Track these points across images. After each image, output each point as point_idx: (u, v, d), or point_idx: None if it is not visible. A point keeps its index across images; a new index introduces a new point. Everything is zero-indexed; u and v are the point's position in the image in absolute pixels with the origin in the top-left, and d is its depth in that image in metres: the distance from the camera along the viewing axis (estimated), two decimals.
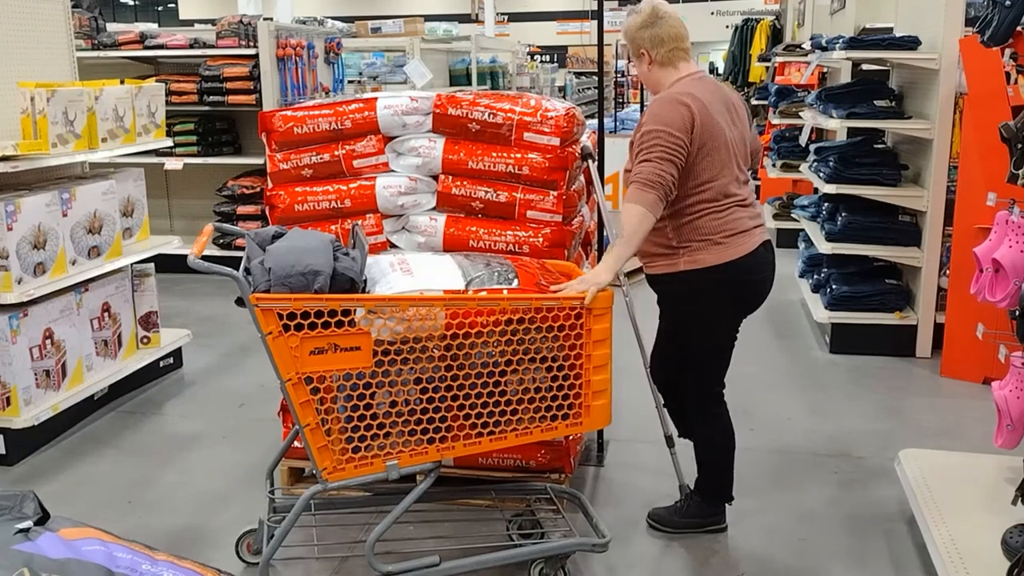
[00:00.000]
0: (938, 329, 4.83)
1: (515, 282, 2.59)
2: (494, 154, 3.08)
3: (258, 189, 6.57)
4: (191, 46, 6.56)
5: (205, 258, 2.36)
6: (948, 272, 4.68)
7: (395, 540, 2.89)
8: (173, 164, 6.37)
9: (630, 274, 3.23)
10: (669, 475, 3.23)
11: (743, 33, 11.21)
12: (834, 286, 5.11)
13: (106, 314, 4.28)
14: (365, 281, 2.60)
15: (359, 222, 3.07)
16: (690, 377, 3.01)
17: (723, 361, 3.00)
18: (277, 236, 2.61)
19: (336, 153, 3.16)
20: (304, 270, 2.38)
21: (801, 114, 6.56)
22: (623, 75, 20.02)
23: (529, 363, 2.52)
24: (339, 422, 2.45)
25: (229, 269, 2.38)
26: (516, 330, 2.48)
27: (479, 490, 3.08)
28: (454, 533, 2.96)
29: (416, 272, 2.63)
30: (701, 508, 3.12)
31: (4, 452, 3.71)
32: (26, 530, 1.31)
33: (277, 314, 2.35)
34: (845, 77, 6.46)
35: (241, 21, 6.48)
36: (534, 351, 2.52)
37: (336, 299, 2.38)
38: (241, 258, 2.58)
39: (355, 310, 2.40)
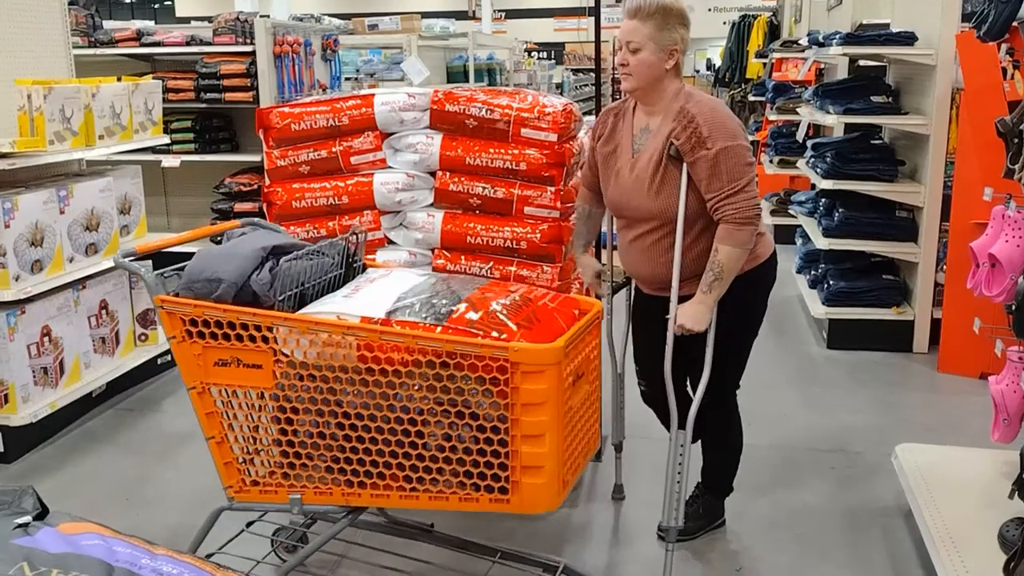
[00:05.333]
0: (935, 324, 4.84)
1: (447, 318, 2.23)
2: (491, 150, 3.07)
3: (256, 186, 6.56)
4: (188, 43, 6.54)
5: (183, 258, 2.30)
6: (945, 267, 4.69)
7: None
8: (170, 161, 6.36)
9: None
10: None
11: (740, 29, 11.22)
12: (831, 282, 5.12)
13: (104, 311, 4.28)
14: (301, 296, 2.40)
15: (359, 226, 3.04)
16: (718, 376, 2.77)
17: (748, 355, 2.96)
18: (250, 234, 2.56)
19: (333, 150, 3.15)
20: (210, 276, 2.29)
21: (798, 110, 6.56)
22: None
23: (456, 417, 2.18)
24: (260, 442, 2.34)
25: (138, 267, 2.35)
26: (440, 375, 2.15)
27: (479, 557, 2.76)
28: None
29: (361, 294, 2.39)
30: (713, 507, 3.12)
31: (2, 449, 3.71)
32: (25, 525, 1.31)
33: (180, 319, 2.30)
34: (842, 73, 6.47)
35: (238, 18, 6.46)
36: (462, 404, 2.17)
37: (233, 311, 2.25)
38: None
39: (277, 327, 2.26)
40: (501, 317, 2.22)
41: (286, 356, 2.26)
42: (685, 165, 2.63)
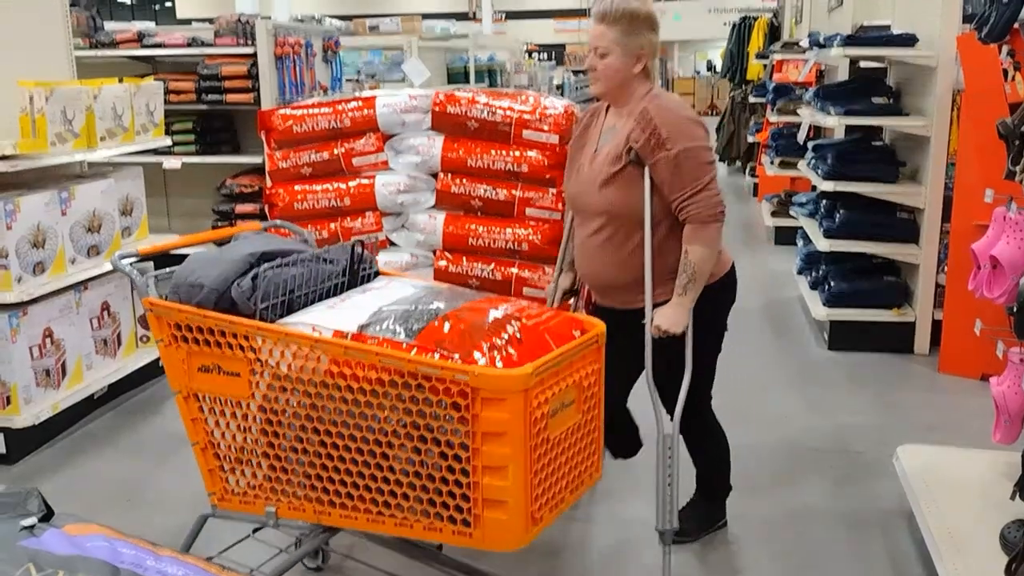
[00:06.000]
0: (936, 326, 4.84)
1: (416, 335, 2.09)
2: (493, 152, 3.08)
3: (257, 188, 6.56)
4: (189, 45, 6.55)
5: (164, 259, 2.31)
6: (946, 269, 4.69)
7: None
8: (171, 163, 6.36)
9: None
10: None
11: (741, 31, 11.24)
12: (832, 283, 5.12)
13: (105, 313, 4.28)
14: (289, 304, 2.34)
15: (372, 238, 3.02)
16: (693, 389, 2.74)
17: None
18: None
19: (335, 151, 3.16)
20: (194, 281, 2.27)
21: (799, 111, 6.56)
22: None
23: (420, 441, 2.05)
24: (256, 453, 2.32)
25: (130, 268, 2.35)
26: (402, 395, 2.02)
27: None
28: None
29: (346, 305, 2.32)
30: (713, 509, 3.12)
31: (4, 451, 3.71)
32: (31, 527, 1.32)
33: (167, 322, 2.29)
34: (843, 74, 6.47)
35: (239, 20, 6.47)
36: (424, 428, 2.03)
37: (212, 317, 2.23)
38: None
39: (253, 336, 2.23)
40: (474, 337, 2.05)
41: (261, 366, 2.22)
42: (647, 169, 2.61)
